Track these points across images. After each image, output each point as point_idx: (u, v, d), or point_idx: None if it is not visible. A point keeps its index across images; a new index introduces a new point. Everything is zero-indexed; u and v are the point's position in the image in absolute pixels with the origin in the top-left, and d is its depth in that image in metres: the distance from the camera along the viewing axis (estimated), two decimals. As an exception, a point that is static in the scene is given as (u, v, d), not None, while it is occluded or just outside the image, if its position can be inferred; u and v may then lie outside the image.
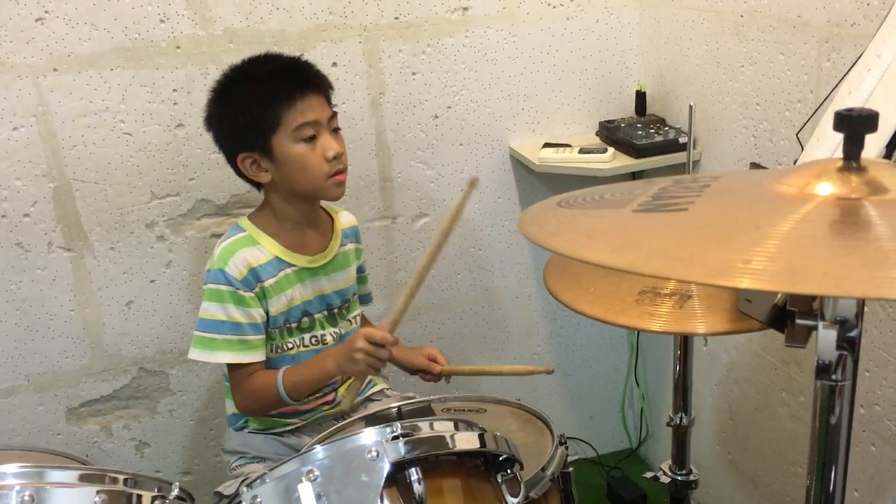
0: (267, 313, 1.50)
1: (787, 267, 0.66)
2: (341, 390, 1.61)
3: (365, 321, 1.76)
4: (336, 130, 1.49)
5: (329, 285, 1.58)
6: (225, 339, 1.46)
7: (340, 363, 1.43)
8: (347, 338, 1.56)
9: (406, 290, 1.34)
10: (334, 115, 1.49)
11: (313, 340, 1.57)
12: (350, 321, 1.63)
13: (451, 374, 1.66)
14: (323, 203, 1.60)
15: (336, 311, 1.60)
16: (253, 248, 1.49)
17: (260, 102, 1.42)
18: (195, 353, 1.48)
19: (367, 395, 1.67)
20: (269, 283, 1.49)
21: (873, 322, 1.47)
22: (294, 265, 1.52)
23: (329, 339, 1.58)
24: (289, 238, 1.53)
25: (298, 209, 1.53)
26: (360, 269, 1.70)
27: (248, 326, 1.47)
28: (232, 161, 1.50)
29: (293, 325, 1.55)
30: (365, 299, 1.74)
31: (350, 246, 1.64)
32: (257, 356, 1.49)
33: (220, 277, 1.47)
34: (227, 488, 1.50)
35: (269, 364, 1.54)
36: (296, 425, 1.59)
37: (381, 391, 1.69)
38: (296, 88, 1.42)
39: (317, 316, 1.57)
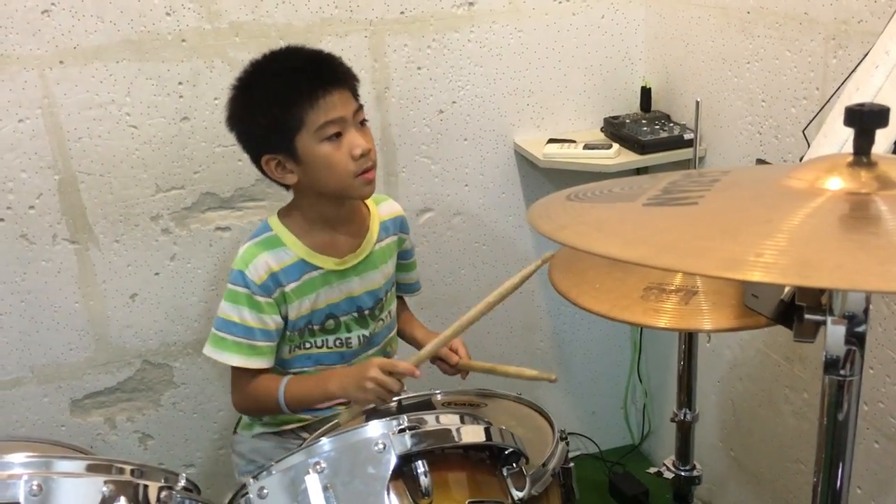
0: (286, 318, 1.47)
1: (798, 260, 0.66)
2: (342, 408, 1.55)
3: (403, 306, 1.72)
4: (363, 123, 1.43)
5: (360, 286, 1.52)
6: (235, 341, 1.45)
7: (347, 389, 1.38)
8: (358, 363, 1.52)
9: (443, 334, 1.34)
10: (360, 107, 1.43)
11: (338, 343, 1.53)
12: (382, 320, 1.58)
13: (467, 370, 1.59)
14: None
15: (367, 312, 1.55)
16: (277, 251, 1.45)
17: (281, 103, 1.36)
18: (208, 350, 1.48)
19: None
20: (290, 287, 1.45)
21: (877, 319, 1.46)
22: (320, 268, 1.48)
23: (355, 342, 1.54)
24: (317, 239, 1.48)
25: (329, 208, 1.47)
26: (405, 256, 1.64)
27: (259, 332, 1.45)
28: (256, 163, 1.45)
29: (316, 327, 1.51)
30: (410, 288, 1.69)
31: (389, 239, 1.58)
32: (264, 362, 1.47)
33: (239, 279, 1.44)
34: None
35: (285, 363, 1.52)
36: (308, 422, 1.55)
37: None
38: (318, 86, 1.36)
39: (343, 318, 1.52)
